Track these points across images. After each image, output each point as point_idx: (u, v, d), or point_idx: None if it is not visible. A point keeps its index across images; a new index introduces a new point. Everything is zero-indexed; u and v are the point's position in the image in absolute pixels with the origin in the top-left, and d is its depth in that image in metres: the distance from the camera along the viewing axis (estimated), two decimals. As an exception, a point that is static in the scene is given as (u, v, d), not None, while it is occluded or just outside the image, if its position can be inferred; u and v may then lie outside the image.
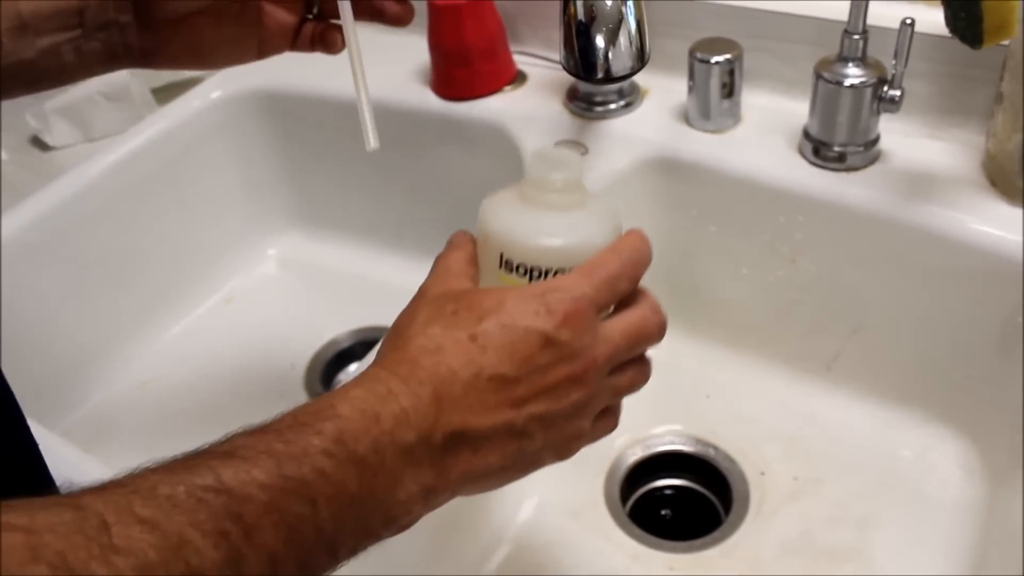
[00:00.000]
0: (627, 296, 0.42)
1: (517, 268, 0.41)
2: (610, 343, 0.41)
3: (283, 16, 0.56)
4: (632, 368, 0.43)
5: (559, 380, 0.39)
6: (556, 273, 0.41)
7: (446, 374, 0.38)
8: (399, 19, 0.57)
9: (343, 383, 0.38)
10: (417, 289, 0.43)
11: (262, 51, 0.57)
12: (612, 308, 0.42)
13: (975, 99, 0.67)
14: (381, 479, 0.36)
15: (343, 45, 0.56)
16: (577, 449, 0.43)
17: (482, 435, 0.38)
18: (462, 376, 0.38)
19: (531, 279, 0.41)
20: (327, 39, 0.57)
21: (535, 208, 0.42)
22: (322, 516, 0.34)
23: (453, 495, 0.39)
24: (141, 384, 0.84)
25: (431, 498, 0.38)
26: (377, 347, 0.43)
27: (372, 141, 0.53)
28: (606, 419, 0.44)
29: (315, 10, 0.57)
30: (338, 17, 0.55)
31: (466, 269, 0.43)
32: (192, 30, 0.53)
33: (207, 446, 0.34)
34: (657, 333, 0.43)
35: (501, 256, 0.42)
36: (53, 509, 0.29)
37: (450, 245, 0.45)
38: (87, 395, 0.82)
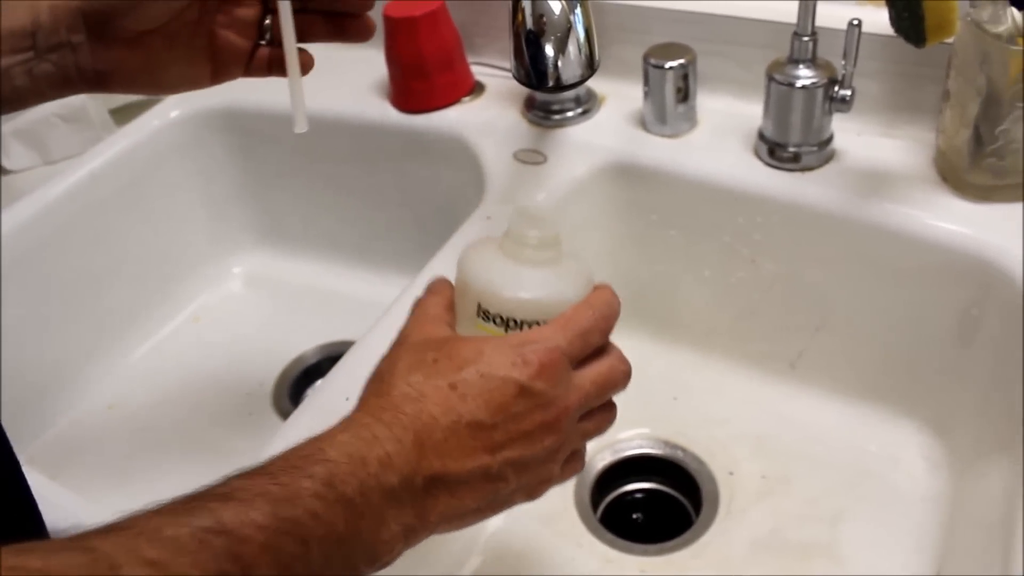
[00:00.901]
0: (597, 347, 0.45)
1: (494, 318, 0.43)
2: (581, 391, 0.43)
3: (236, 41, 0.55)
4: (599, 413, 0.46)
5: (533, 427, 0.41)
6: (531, 324, 0.44)
7: (427, 420, 0.40)
8: (360, 35, 0.57)
9: (329, 429, 0.40)
10: (397, 334, 0.45)
11: (216, 76, 0.56)
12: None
13: (924, 97, 0.68)
14: (367, 520, 0.37)
15: (310, 66, 0.56)
16: (546, 490, 0.45)
17: (460, 479, 0.40)
18: (442, 423, 0.40)
19: (507, 329, 0.44)
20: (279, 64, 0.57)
21: (513, 262, 0.44)
22: (313, 555, 0.35)
23: (430, 534, 0.41)
24: (108, 407, 0.83)
25: (411, 537, 0.40)
26: (360, 392, 0.44)
27: (302, 124, 0.55)
28: (574, 462, 0.46)
29: (268, 36, 0.56)
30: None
31: (444, 315, 0.45)
32: (145, 52, 0.53)
33: (205, 488, 0.36)
34: (623, 380, 0.46)
35: (479, 306, 0.44)
36: (65, 553, 0.30)
37: (429, 290, 0.47)
38: (52, 420, 0.81)
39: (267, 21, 0.56)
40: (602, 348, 0.45)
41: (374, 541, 0.38)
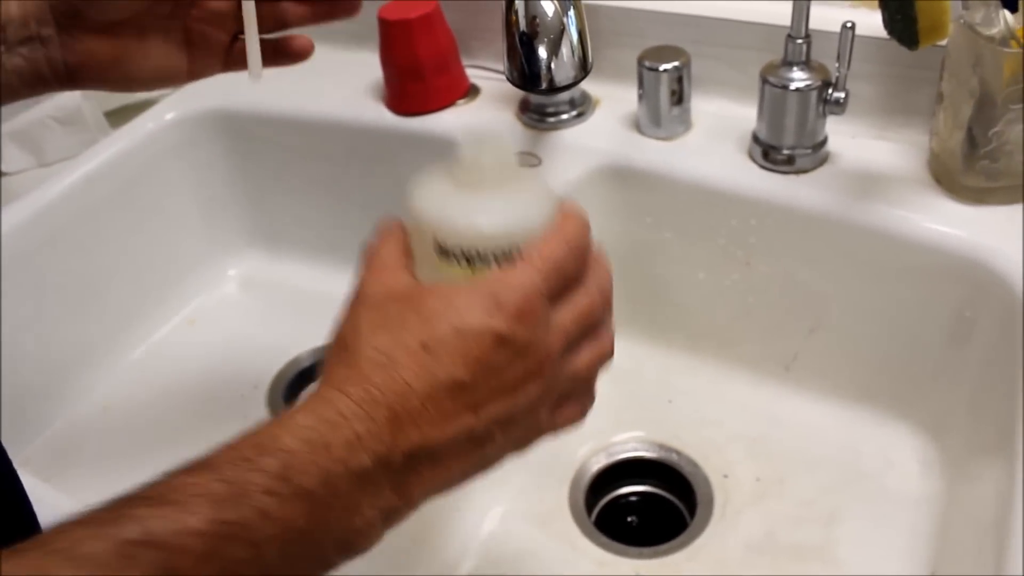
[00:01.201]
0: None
1: (455, 254, 0.39)
2: (561, 331, 0.39)
3: (212, 34, 0.54)
4: (588, 346, 0.41)
5: (516, 378, 0.38)
6: (497, 256, 0.39)
7: (401, 389, 0.36)
8: (349, 10, 0.56)
9: (289, 411, 0.36)
10: (352, 288, 0.41)
11: (192, 72, 0.55)
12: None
13: (918, 99, 0.69)
14: (335, 511, 0.34)
15: (310, 51, 0.55)
16: (536, 441, 0.41)
17: (443, 447, 0.37)
18: (417, 388, 0.36)
19: (472, 264, 0.39)
20: (290, 50, 0.56)
21: (468, 190, 0.40)
22: (267, 558, 0.32)
23: (415, 510, 0.38)
24: (103, 409, 0.83)
25: (392, 518, 0.37)
26: (323, 362, 0.40)
27: (256, 72, 0.53)
28: (568, 408, 0.42)
29: None
30: (272, 30, 0.54)
31: (401, 259, 0.41)
32: (116, 44, 0.52)
33: (135, 490, 0.32)
34: (603, 310, 0.41)
35: (436, 242, 0.40)
36: None
37: (379, 234, 0.42)
38: (48, 422, 0.81)
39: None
40: (580, 277, 0.41)
41: (345, 530, 0.35)
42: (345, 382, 0.36)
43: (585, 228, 0.41)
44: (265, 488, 0.32)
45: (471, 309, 0.37)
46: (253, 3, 0.52)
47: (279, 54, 0.56)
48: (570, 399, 0.42)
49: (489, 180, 0.40)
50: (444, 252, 0.39)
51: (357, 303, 0.40)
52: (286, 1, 0.54)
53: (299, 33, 0.55)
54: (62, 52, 0.51)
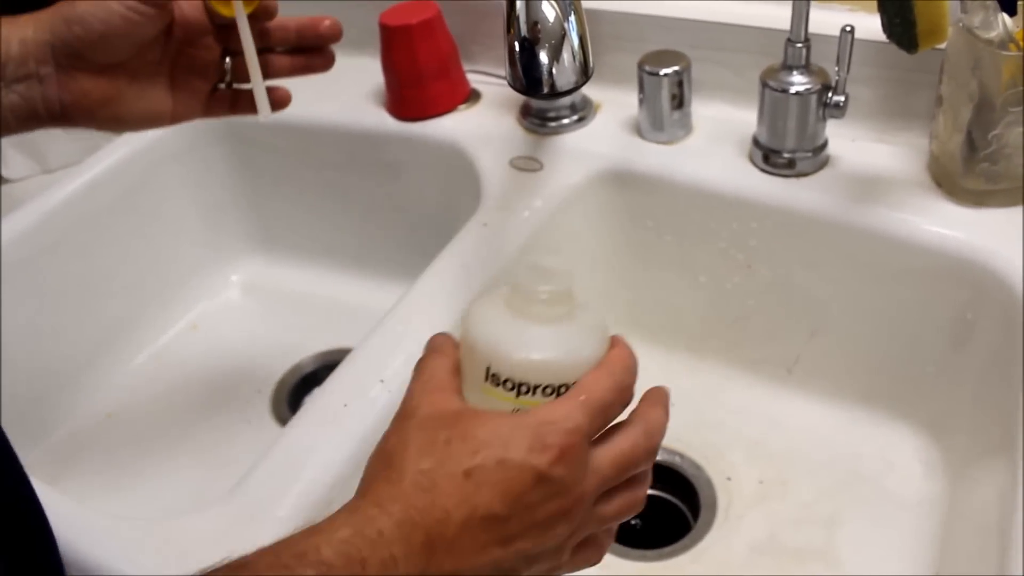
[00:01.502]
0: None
1: (504, 382, 0.40)
2: (598, 475, 0.40)
3: (195, 82, 0.58)
4: (620, 495, 0.42)
5: (548, 516, 0.39)
6: (545, 388, 0.40)
7: (440, 516, 0.37)
8: (324, 66, 0.61)
9: (327, 515, 0.37)
10: (402, 403, 0.42)
11: (176, 115, 0.59)
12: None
13: (917, 102, 0.69)
14: None
15: (287, 102, 0.61)
16: None
17: (470, 574, 0.38)
18: (455, 517, 0.37)
19: (518, 394, 0.40)
20: (272, 100, 0.59)
21: (523, 319, 0.41)
22: None
23: None
24: (107, 415, 0.83)
25: None
26: (364, 472, 0.41)
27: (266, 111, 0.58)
28: (587, 550, 0.43)
29: (227, 78, 0.59)
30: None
31: (450, 381, 0.42)
32: (109, 86, 0.55)
33: None
34: (646, 459, 0.42)
35: (487, 369, 0.41)
36: None
37: (432, 350, 0.43)
38: (52, 428, 0.81)
39: (226, 64, 0.59)
40: (621, 414, 0.41)
41: None
42: (388, 500, 0.37)
43: (632, 365, 0.41)
44: None
45: (516, 444, 0.38)
46: (255, 55, 0.57)
47: (242, 105, 0.61)
48: (592, 541, 0.43)
49: (545, 313, 0.41)
50: (494, 378, 0.40)
51: (405, 419, 0.41)
52: (271, 54, 0.59)
53: (280, 85, 0.60)
54: (58, 91, 0.54)
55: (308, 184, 0.90)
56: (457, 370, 0.42)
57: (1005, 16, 0.58)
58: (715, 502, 0.70)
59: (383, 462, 0.40)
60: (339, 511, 0.37)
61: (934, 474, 0.68)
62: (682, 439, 0.74)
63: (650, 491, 0.71)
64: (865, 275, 0.68)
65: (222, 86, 0.60)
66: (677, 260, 0.76)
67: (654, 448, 0.42)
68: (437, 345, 0.44)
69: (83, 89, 0.54)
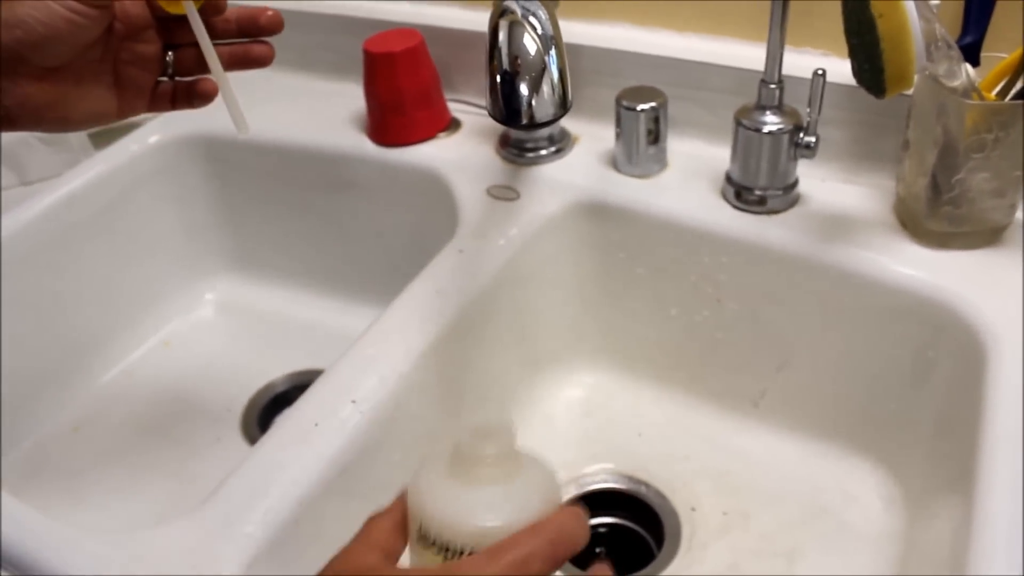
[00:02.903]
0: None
1: (433, 543, 0.40)
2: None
3: (138, 76, 0.57)
4: None
5: None
6: (470, 551, 0.39)
7: None
8: (264, 61, 0.59)
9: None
10: (338, 552, 0.41)
11: (121, 112, 0.58)
12: None
13: (885, 145, 0.71)
14: None
15: (213, 95, 0.58)
16: None
17: None
18: None
19: (444, 557, 0.39)
20: (196, 92, 0.59)
21: (460, 482, 0.40)
22: None
23: None
24: (74, 429, 0.83)
25: None
26: None
27: (247, 126, 0.57)
28: None
29: (169, 71, 0.59)
30: (195, 73, 0.58)
31: (385, 540, 0.41)
32: (53, 88, 0.54)
33: None
34: (541, 567, 0.39)
35: (419, 529, 0.40)
36: None
37: (386, 508, 0.43)
38: (16, 441, 0.81)
39: (168, 57, 0.58)
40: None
41: None
42: None
43: (571, 527, 0.39)
44: None
45: None
46: (226, 74, 0.56)
47: (190, 95, 0.59)
48: None
49: (482, 473, 0.40)
50: (425, 540, 0.40)
51: (326, 571, 0.41)
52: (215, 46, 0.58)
53: (207, 77, 0.59)
54: (2, 96, 0.53)
55: (286, 205, 0.90)
56: (399, 528, 0.42)
57: (968, 66, 0.60)
58: (679, 532, 0.71)
59: None
60: None
61: (893, 508, 0.70)
62: (648, 469, 0.75)
63: (615, 519, 0.73)
64: (830, 311, 0.70)
65: (164, 79, 0.59)
66: (648, 292, 0.77)
67: (556, 559, 0.39)
68: (392, 503, 0.43)
69: (27, 94, 0.53)
